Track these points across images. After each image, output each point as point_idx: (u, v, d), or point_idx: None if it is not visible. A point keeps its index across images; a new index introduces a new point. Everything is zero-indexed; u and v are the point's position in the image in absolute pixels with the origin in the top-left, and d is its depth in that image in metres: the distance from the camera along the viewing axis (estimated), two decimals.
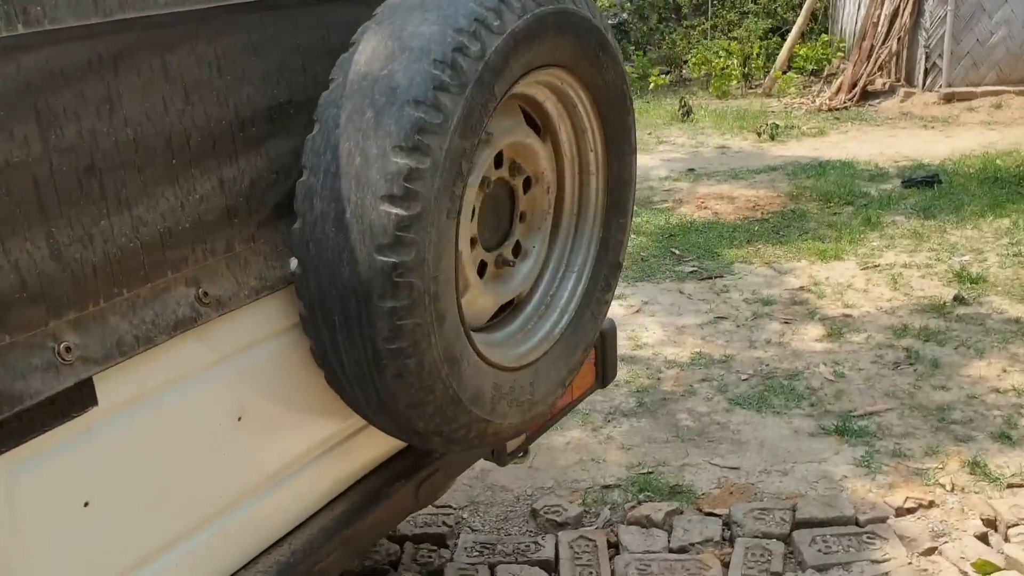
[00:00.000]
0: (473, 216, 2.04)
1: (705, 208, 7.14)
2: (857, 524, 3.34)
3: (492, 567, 3.29)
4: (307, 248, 1.76)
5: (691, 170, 8.19)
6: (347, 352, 1.78)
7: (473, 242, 2.06)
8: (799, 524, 3.35)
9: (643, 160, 8.61)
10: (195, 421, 1.75)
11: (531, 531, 3.53)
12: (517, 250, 2.24)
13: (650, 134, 9.61)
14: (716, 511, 3.53)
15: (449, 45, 1.72)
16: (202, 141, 1.70)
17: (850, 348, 4.82)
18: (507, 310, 2.25)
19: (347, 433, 2.07)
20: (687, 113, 10.06)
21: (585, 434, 4.21)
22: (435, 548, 3.42)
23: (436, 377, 1.82)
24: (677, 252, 6.26)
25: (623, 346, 4.99)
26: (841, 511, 3.38)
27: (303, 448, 1.97)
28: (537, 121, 2.22)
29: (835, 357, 4.73)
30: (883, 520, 3.35)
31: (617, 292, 5.69)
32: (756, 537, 3.31)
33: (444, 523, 3.54)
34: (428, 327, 1.76)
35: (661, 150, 9.01)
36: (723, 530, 3.40)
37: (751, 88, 11.84)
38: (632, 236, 6.57)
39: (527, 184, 2.22)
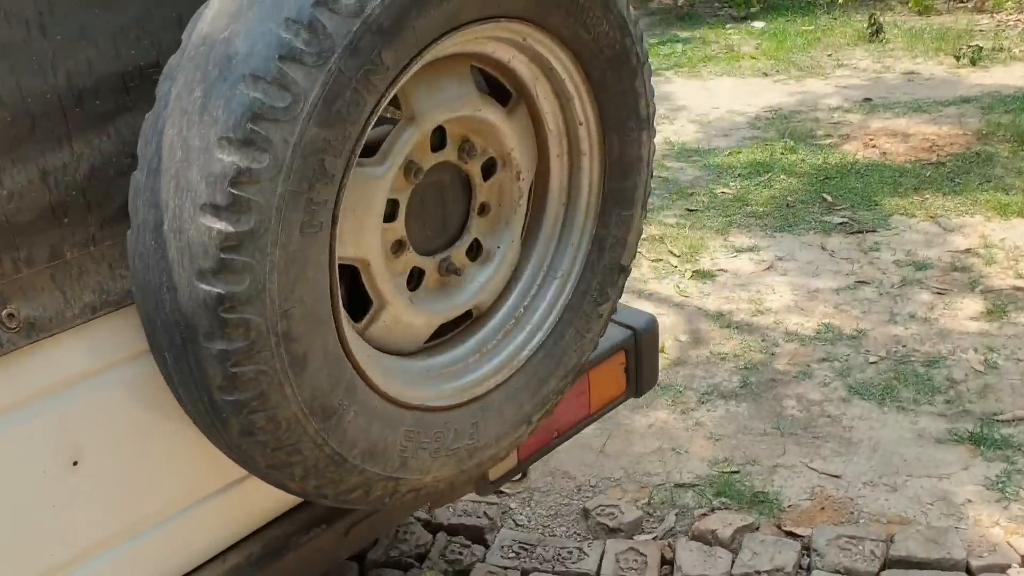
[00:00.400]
0: (396, 214, 1.59)
1: (873, 146, 6.28)
2: (968, 571, 2.73)
3: (525, 573, 2.91)
4: (135, 261, 1.37)
5: (867, 100, 7.25)
6: (186, 398, 1.40)
7: (399, 246, 1.62)
8: (892, 563, 2.77)
9: (815, 86, 7.73)
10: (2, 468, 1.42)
11: (579, 534, 3.12)
12: (476, 251, 1.78)
13: (829, 56, 8.62)
14: (798, 531, 2.99)
15: None
16: (13, 121, 1.34)
17: (1012, 331, 4.05)
18: (461, 326, 1.80)
19: (240, 475, 1.69)
20: (876, 32, 8.95)
21: (672, 416, 3.72)
22: (468, 544, 3.06)
23: (300, 435, 1.41)
24: (829, 198, 5.51)
25: (741, 311, 4.42)
26: (948, 551, 2.77)
27: (171, 495, 1.62)
28: (507, 86, 1.72)
29: (991, 342, 3.98)
30: (1002, 570, 2.72)
31: (750, 244, 5.07)
32: (837, 572, 2.76)
33: (486, 514, 3.17)
34: (279, 376, 1.35)
35: (838, 75, 8.05)
36: (800, 556, 2.87)
37: (960, 2, 10.46)
38: (782, 177, 5.87)
39: (490, 168, 1.74)
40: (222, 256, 1.26)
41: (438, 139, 1.63)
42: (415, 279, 1.68)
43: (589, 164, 1.79)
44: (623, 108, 1.74)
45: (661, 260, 4.96)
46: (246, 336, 1.30)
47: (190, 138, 1.26)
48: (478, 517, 3.16)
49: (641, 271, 4.86)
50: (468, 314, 1.79)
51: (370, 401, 1.50)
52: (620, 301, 2.49)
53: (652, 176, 1.88)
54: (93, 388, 1.50)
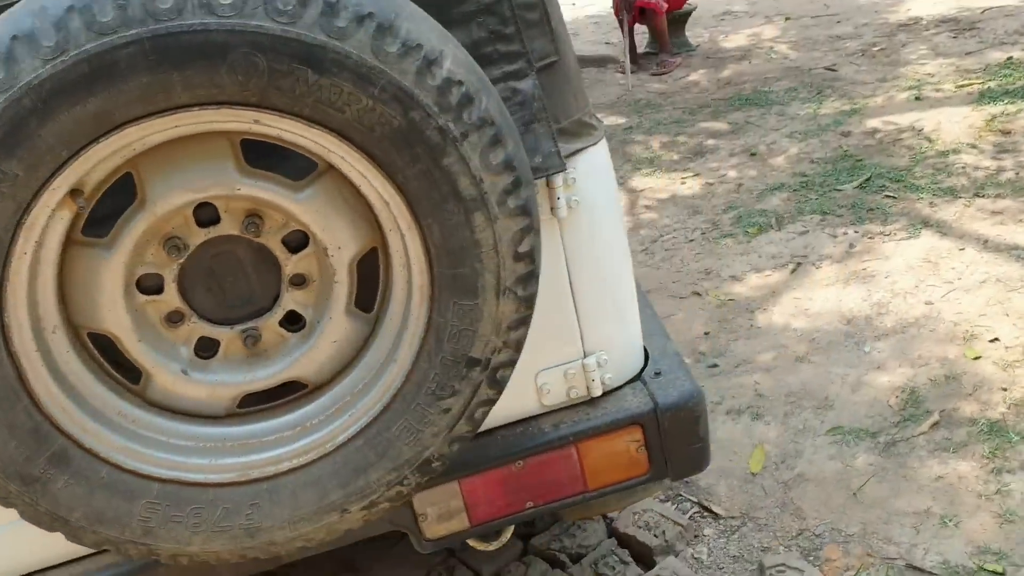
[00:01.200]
0: (163, 288, 1.59)
1: None
2: None
3: None
4: None
5: None
6: None
7: (177, 316, 1.61)
8: None
9: None
10: None
11: None
12: (301, 324, 1.67)
13: None
14: None
15: None
16: None
17: None
18: (298, 394, 1.72)
19: None
20: None
21: (977, 472, 2.97)
22: (628, 561, 2.86)
23: (7, 493, 1.55)
24: None
25: None
26: None
27: None
28: (311, 157, 1.56)
29: None
30: None
31: None
32: None
33: (664, 534, 2.91)
34: None
35: None
36: None
37: None
38: None
39: (301, 242, 1.61)
40: None
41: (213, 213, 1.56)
42: (207, 347, 1.65)
43: (414, 246, 1.54)
44: (432, 189, 1.46)
45: None
46: None
47: None
48: (655, 535, 2.92)
49: None
50: (300, 387, 1.71)
51: (93, 472, 1.56)
52: (690, 362, 2.12)
53: (527, 260, 1.54)
54: None
